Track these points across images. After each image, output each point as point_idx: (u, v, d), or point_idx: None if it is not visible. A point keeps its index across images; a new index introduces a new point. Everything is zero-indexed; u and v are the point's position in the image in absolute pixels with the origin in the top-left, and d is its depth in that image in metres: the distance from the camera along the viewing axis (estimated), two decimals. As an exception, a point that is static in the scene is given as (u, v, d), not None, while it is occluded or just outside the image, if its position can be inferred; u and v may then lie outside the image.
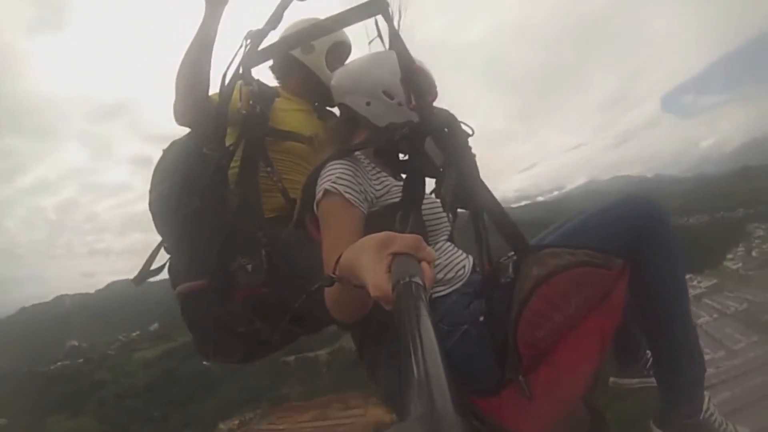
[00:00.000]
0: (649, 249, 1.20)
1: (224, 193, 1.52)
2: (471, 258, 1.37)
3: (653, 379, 1.40)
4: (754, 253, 46.35)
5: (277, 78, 1.83)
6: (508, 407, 1.16)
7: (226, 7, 1.51)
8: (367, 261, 0.69)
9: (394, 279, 0.61)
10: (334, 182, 1.24)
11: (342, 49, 1.84)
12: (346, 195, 1.23)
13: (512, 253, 1.25)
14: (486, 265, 1.29)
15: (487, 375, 1.19)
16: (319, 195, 1.26)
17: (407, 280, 0.58)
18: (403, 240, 0.68)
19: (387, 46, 1.51)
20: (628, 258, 1.19)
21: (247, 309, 1.49)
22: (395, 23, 1.40)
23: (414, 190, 1.30)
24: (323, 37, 1.67)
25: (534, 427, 1.17)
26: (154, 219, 1.64)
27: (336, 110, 1.70)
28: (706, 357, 1.38)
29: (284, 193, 1.60)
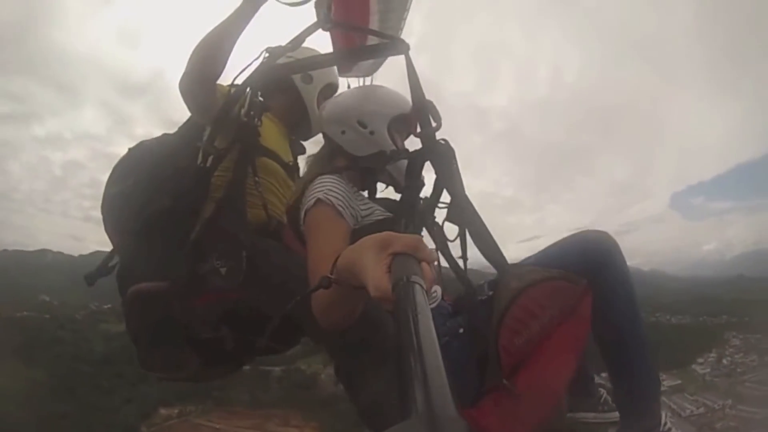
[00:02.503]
0: (606, 273, 1.33)
1: (202, 196, 1.46)
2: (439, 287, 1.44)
3: (608, 415, 1.48)
4: (724, 361, 45.28)
5: (262, 95, 1.67)
6: (489, 415, 1.21)
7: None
8: (368, 261, 0.68)
9: (394, 279, 0.60)
10: (326, 193, 1.31)
11: (332, 90, 1.88)
12: (338, 207, 1.29)
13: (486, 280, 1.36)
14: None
15: (468, 384, 1.25)
16: (310, 203, 1.31)
17: (407, 280, 0.57)
18: (404, 240, 0.67)
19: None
20: (590, 281, 1.30)
21: (213, 315, 1.42)
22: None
23: (412, 204, 1.42)
24: (322, 73, 1.76)
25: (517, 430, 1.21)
26: (106, 218, 1.56)
27: (307, 144, 1.90)
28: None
29: (266, 208, 1.56)
